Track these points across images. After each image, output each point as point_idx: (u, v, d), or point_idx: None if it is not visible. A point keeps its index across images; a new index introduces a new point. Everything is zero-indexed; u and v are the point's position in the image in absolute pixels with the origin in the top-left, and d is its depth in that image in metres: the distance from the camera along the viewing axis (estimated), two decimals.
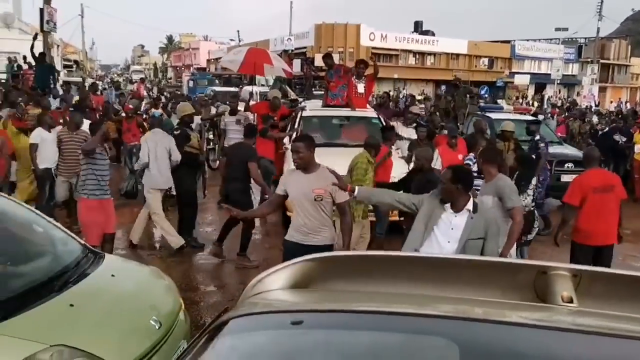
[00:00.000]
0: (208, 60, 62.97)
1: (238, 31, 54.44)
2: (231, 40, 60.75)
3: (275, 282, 1.69)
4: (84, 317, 2.88)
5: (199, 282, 6.32)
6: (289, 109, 10.52)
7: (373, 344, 1.37)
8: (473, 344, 1.28)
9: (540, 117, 15.19)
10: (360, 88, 9.24)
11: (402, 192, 4.63)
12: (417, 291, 1.60)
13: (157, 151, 6.78)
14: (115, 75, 65.41)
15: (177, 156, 6.85)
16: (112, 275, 3.36)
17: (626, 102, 42.45)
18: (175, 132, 7.14)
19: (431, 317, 1.40)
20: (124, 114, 11.09)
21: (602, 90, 51.36)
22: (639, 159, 11.21)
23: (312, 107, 9.79)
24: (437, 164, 6.86)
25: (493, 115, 11.67)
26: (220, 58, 37.73)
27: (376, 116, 9.41)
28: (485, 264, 1.79)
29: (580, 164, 7.65)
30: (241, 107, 11.08)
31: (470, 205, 3.81)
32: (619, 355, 1.24)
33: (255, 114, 9.84)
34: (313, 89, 12.35)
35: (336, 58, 19.97)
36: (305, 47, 39.78)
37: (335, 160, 6.40)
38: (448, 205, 3.84)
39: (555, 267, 1.52)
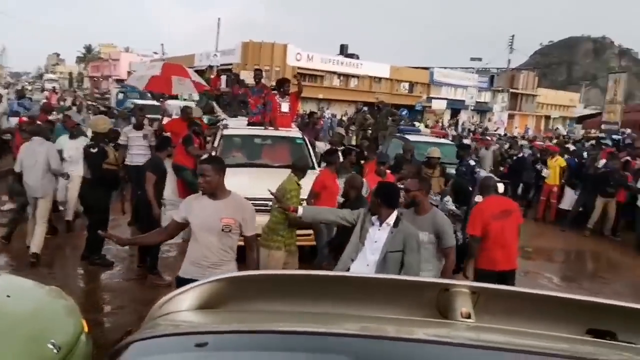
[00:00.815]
0: (129, 72, 60.91)
1: (162, 44, 53.39)
2: (155, 53, 59.36)
3: (184, 303, 1.63)
4: None
5: (106, 302, 6.02)
6: (209, 126, 10.14)
7: None
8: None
9: (467, 141, 15.97)
10: (285, 107, 9.01)
11: (347, 211, 4.60)
12: (325, 310, 1.60)
13: (32, 159, 6.58)
14: (27, 83, 61.72)
15: (55, 164, 6.70)
16: (8, 296, 3.12)
17: (526, 129, 45.40)
18: (92, 150, 6.87)
19: (334, 336, 1.40)
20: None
21: (511, 117, 54.82)
22: (548, 182, 12.02)
23: (235, 126, 9.26)
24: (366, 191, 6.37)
25: (411, 137, 12.10)
26: None
27: (300, 136, 9.02)
28: (393, 282, 1.82)
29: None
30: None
31: (391, 220, 4.03)
32: None
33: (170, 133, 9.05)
34: (241, 107, 11.71)
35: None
36: (231, 64, 39.57)
37: (256, 181, 6.35)
38: (375, 218, 4.06)
39: (456, 284, 1.57)
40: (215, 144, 8.59)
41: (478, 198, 6.02)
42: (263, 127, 8.76)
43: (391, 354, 1.30)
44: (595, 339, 1.51)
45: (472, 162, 9.27)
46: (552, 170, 11.98)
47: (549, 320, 1.56)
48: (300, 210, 4.33)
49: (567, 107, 64.08)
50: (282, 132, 8.89)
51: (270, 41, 42.14)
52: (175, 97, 18.00)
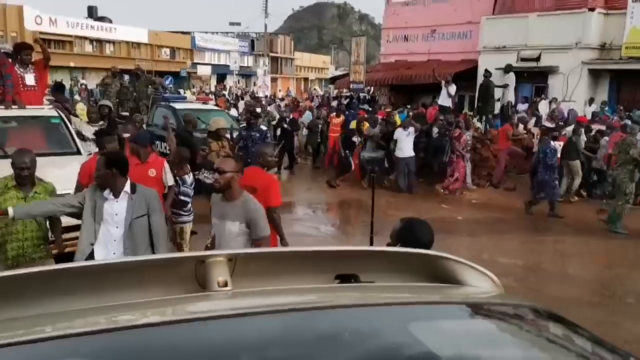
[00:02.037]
0: None
1: None
2: None
3: None
4: None
5: None
6: None
7: None
8: (114, 357, 1.21)
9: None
10: (30, 79, 7.38)
11: (69, 196, 4.35)
12: (71, 306, 1.40)
13: None
14: None
15: None
16: None
17: (288, 91, 48.32)
18: None
19: (66, 337, 1.20)
20: None
21: (274, 80, 57.42)
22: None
23: None
24: None
25: (177, 105, 11.83)
26: None
27: (56, 114, 7.45)
28: (145, 263, 1.70)
29: None
30: None
31: (128, 188, 3.97)
32: (269, 329, 1.30)
33: None
34: None
35: None
36: None
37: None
38: (108, 192, 3.92)
39: (213, 254, 1.53)
40: None
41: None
42: (3, 107, 7.05)
43: (145, 342, 1.22)
44: (341, 284, 1.61)
45: (263, 127, 9.64)
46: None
47: (303, 274, 1.61)
48: (11, 210, 3.84)
49: (321, 70, 69.73)
50: (30, 111, 7.28)
51: (1, 2, 36.19)
52: None
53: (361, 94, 22.99)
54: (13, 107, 7.06)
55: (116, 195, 3.95)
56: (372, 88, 23.95)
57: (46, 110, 7.59)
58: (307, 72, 68.54)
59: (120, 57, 42.47)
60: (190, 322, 1.29)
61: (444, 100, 15.06)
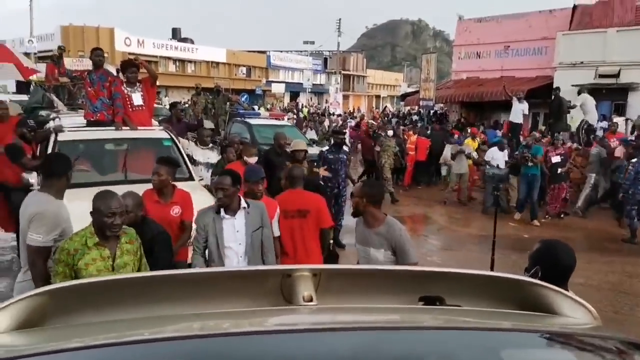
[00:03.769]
0: None
1: None
2: None
3: None
4: None
5: None
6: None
7: None
8: None
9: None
10: (137, 99, 6.83)
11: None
12: (162, 313, 1.51)
13: None
14: None
15: None
16: None
17: (358, 109, 48.73)
18: None
19: (166, 340, 1.30)
20: None
21: (346, 97, 58.16)
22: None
23: (73, 126, 6.63)
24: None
25: (252, 121, 12.55)
26: None
27: (168, 136, 6.84)
28: (238, 274, 1.79)
29: None
30: None
31: (244, 203, 4.05)
32: (351, 346, 1.29)
33: None
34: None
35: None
36: (51, 50, 36.11)
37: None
38: (223, 212, 3.97)
39: (298, 269, 1.56)
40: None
41: None
42: (114, 128, 6.52)
43: (234, 350, 1.27)
44: (426, 306, 1.58)
45: (345, 148, 8.87)
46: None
47: (386, 293, 1.62)
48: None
49: (393, 87, 69.69)
50: (142, 133, 6.67)
51: (94, 25, 39.29)
52: None
53: (431, 111, 23.02)
54: (124, 128, 6.55)
55: (233, 212, 4.00)
56: (443, 105, 23.88)
57: (157, 131, 6.97)
58: (379, 90, 68.80)
59: (200, 76, 44.70)
60: (277, 334, 1.33)
61: (515, 117, 14.85)
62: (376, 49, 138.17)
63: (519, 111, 14.79)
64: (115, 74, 7.57)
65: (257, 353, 1.27)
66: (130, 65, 6.86)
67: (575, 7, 19.76)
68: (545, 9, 20.86)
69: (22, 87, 27.20)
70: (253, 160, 6.28)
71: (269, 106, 34.74)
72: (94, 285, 1.61)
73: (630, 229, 9.46)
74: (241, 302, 1.55)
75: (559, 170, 10.60)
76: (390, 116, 28.26)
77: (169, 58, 44.31)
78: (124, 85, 6.77)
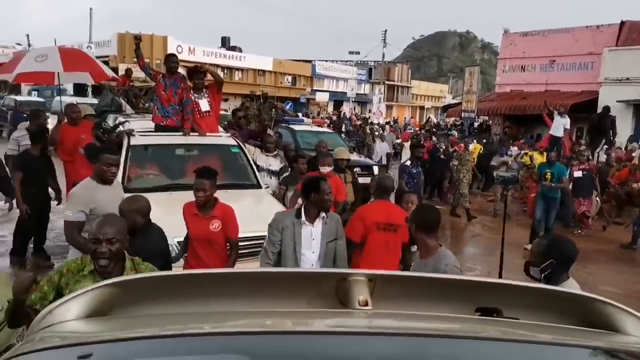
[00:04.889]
0: None
1: (27, 35, 49.67)
2: (18, 44, 54.95)
3: (69, 312, 1.48)
4: None
5: None
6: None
7: None
8: (266, 357, 1.30)
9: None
10: (204, 105, 6.87)
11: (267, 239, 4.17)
12: (222, 308, 1.56)
13: None
14: None
15: None
16: None
17: (405, 119, 48.77)
18: None
19: (228, 335, 1.37)
20: None
21: (389, 108, 58.33)
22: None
23: (143, 130, 6.73)
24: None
25: (296, 127, 13.20)
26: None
27: (235, 143, 6.88)
28: (294, 275, 1.82)
29: None
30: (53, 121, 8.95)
31: (322, 213, 4.07)
32: (406, 352, 1.30)
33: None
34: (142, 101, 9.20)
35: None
36: (107, 56, 38.00)
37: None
38: (305, 218, 4.02)
39: (354, 273, 1.57)
40: (123, 158, 5.98)
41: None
42: (182, 133, 6.61)
43: (289, 348, 1.30)
44: (483, 317, 1.56)
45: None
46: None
47: (441, 301, 1.60)
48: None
49: (438, 98, 69.36)
50: (209, 139, 6.76)
51: (149, 33, 41.04)
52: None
53: (474, 123, 23.13)
54: (192, 134, 6.66)
55: (312, 220, 4.03)
56: (487, 117, 23.94)
57: (224, 138, 7.03)
58: (423, 101, 68.61)
59: (247, 84, 45.91)
60: (332, 336, 1.35)
61: (556, 130, 14.91)
62: (422, 60, 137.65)
63: (561, 125, 14.85)
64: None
65: (313, 353, 1.29)
66: (196, 71, 6.97)
67: (622, 23, 19.61)
68: (592, 24, 20.74)
69: (80, 89, 28.65)
70: (328, 170, 6.09)
71: (313, 115, 35.39)
72: (158, 279, 1.71)
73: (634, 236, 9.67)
74: (296, 303, 1.58)
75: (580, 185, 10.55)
76: (432, 127, 28.41)
77: (218, 65, 45.60)
78: (191, 92, 6.85)
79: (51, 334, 1.42)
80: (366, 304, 1.45)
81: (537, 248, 3.02)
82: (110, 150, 4.60)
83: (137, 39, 7.03)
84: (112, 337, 1.36)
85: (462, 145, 14.03)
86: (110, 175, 4.31)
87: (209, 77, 7.27)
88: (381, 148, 16.61)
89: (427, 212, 3.56)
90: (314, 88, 50.41)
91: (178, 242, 4.53)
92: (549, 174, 9.42)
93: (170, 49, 40.48)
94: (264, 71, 48.47)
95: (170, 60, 6.93)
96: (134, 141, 6.27)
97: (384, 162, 16.00)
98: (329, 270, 2.11)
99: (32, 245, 6.95)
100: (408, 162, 8.60)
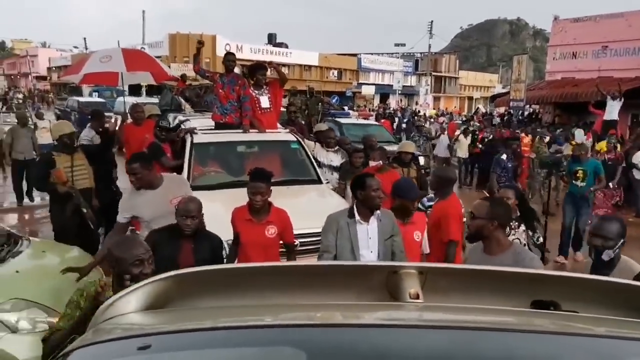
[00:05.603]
0: (49, 69, 59.17)
1: (85, 38, 52.06)
2: (75, 47, 57.81)
3: (129, 305, 1.54)
4: (29, 279, 3.63)
5: None
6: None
7: None
8: (320, 350, 1.30)
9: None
10: (264, 102, 6.85)
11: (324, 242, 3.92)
12: (274, 302, 1.58)
13: None
14: None
15: None
16: (43, 252, 4.12)
17: (445, 110, 48.23)
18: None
19: (280, 327, 1.39)
20: None
21: (437, 99, 57.75)
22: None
23: (204, 128, 6.77)
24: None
25: (342, 120, 13.60)
26: (65, 66, 35.96)
27: (295, 139, 6.87)
28: (345, 268, 1.82)
29: None
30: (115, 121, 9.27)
31: (377, 211, 3.89)
32: (458, 345, 1.28)
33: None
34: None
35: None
36: (160, 57, 39.24)
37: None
38: (357, 217, 3.83)
39: (404, 266, 1.57)
40: (187, 156, 6.14)
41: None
42: (241, 130, 6.62)
43: (341, 341, 1.31)
44: (540, 310, 1.52)
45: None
46: None
47: (494, 295, 1.57)
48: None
49: (487, 88, 67.97)
50: (269, 136, 6.79)
51: (198, 32, 42.22)
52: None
53: (522, 112, 22.76)
54: (251, 130, 6.65)
55: (366, 218, 3.85)
56: (538, 106, 23.50)
57: (284, 134, 6.99)
58: (471, 91, 67.51)
59: (293, 79, 46.36)
60: (384, 328, 1.36)
61: (609, 115, 14.58)
62: (470, 50, 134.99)
63: (614, 109, 14.53)
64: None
65: (364, 346, 1.28)
66: (259, 68, 6.98)
67: None
68: None
69: (135, 89, 29.75)
70: (375, 164, 6.09)
71: (360, 107, 35.56)
72: (213, 272, 1.71)
73: None
74: (347, 296, 1.58)
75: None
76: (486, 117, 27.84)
77: (265, 62, 46.30)
78: (252, 88, 6.83)
79: (113, 325, 1.48)
80: (417, 297, 1.46)
81: (606, 230, 2.98)
82: (132, 159, 4.25)
83: (200, 43, 7.29)
84: (170, 329, 1.41)
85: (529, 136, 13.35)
86: (134, 184, 4.12)
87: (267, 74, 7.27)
88: (443, 141, 16.57)
89: (502, 206, 3.35)
90: (360, 81, 50.54)
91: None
92: (580, 172, 7.89)
93: (219, 48, 41.44)
94: (310, 66, 48.95)
95: (227, 58, 7.04)
96: (197, 139, 6.35)
97: (447, 155, 15.52)
98: (379, 264, 2.15)
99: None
100: (504, 156, 8.34)
